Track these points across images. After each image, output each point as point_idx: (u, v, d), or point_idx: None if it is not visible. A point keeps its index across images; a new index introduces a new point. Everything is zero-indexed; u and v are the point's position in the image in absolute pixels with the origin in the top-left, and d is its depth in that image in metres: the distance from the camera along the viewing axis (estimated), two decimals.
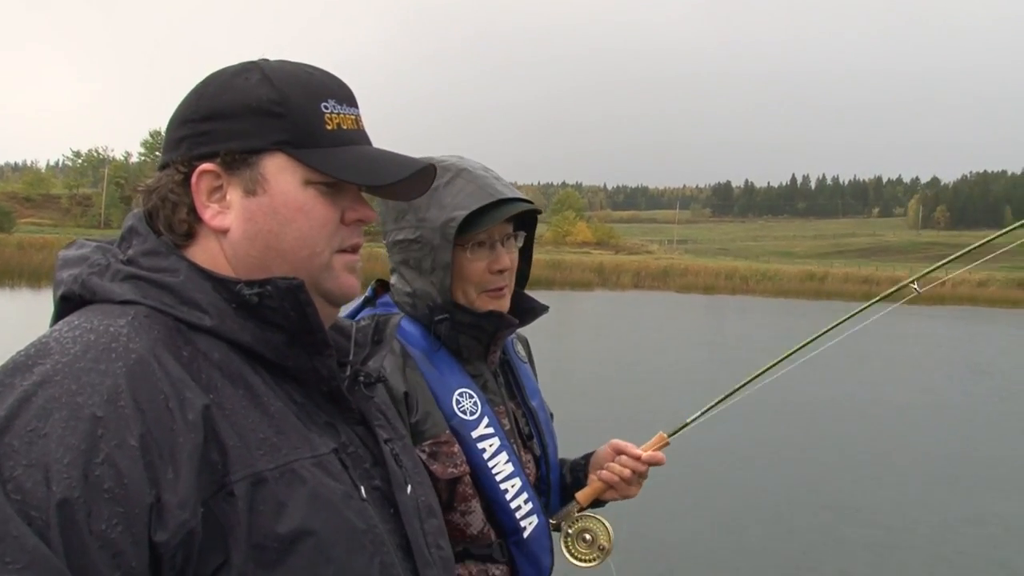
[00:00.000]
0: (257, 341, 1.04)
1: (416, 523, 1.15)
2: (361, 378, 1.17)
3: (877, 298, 2.23)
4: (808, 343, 2.10)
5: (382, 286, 1.93)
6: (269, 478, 0.96)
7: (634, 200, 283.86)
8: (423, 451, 1.68)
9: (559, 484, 1.98)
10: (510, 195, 1.77)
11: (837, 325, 2.14)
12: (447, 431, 1.72)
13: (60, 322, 1.01)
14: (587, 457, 2.03)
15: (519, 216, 1.83)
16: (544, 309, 1.96)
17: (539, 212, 1.87)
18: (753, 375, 2.05)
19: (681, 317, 29.85)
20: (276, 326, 1.05)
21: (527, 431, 1.93)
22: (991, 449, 10.48)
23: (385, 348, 1.22)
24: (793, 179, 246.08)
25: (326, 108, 1.09)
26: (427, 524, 1.18)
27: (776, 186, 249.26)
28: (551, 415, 2.03)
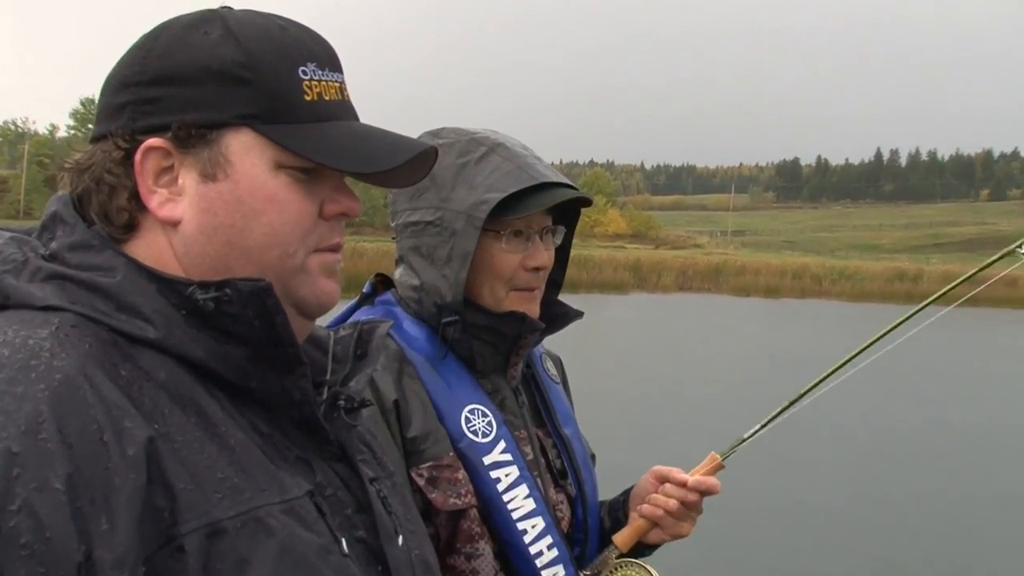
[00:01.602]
0: (213, 357, 1.03)
1: None
2: (341, 402, 1.17)
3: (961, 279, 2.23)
4: (879, 339, 2.11)
5: (382, 282, 1.96)
6: (228, 528, 0.95)
7: (678, 182, 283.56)
8: (420, 475, 1.69)
9: (598, 531, 1.98)
10: (554, 179, 1.80)
11: (909, 318, 2.15)
12: (451, 453, 1.74)
13: None
14: (626, 493, 2.03)
15: (557, 209, 1.85)
16: (577, 315, 1.98)
17: (589, 202, 1.89)
18: (818, 379, 2.07)
19: (736, 326, 29.80)
20: (237, 338, 1.04)
21: (558, 465, 1.94)
22: None
23: (370, 364, 1.22)
24: (878, 155, 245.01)
25: (304, 74, 1.08)
26: None
27: (857, 164, 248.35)
28: (592, 456, 2.05)
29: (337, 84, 1.11)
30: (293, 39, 1.09)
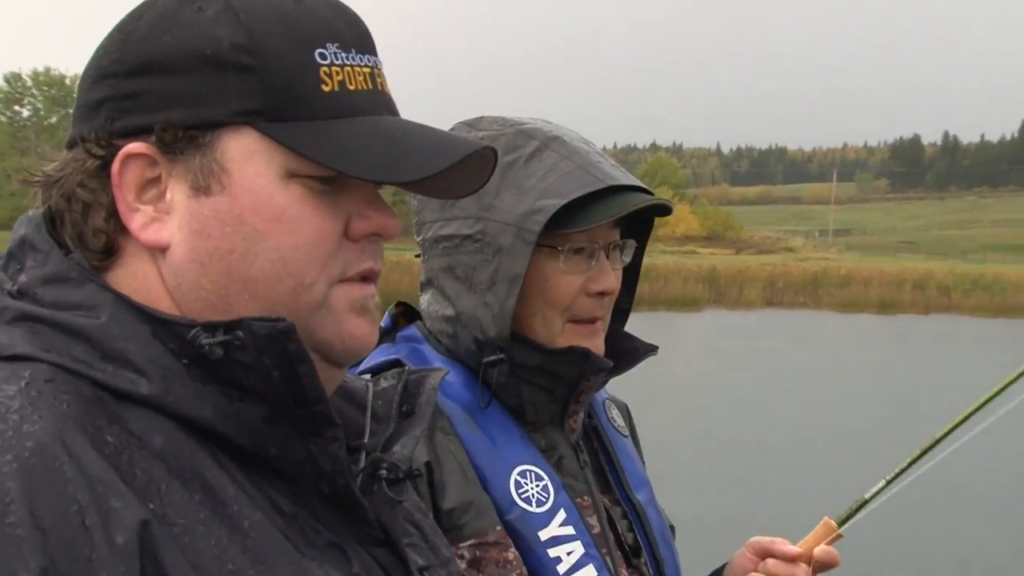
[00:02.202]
0: (222, 417, 1.03)
1: None
2: (383, 472, 1.16)
3: None
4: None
5: (404, 313, 1.96)
6: None
7: (764, 169, 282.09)
8: (460, 556, 1.69)
9: None
10: (624, 181, 1.79)
11: None
12: (498, 527, 1.74)
13: None
14: (717, 573, 2.04)
15: (626, 218, 1.83)
16: (651, 350, 1.98)
17: (668, 210, 1.88)
18: (956, 421, 2.06)
19: (843, 350, 29.58)
20: (251, 393, 1.04)
21: (630, 540, 1.94)
22: None
23: (419, 424, 1.21)
24: (1023, 129, 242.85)
25: (323, 58, 1.06)
26: None
27: (996, 141, 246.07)
28: (671, 528, 2.05)
29: (367, 70, 1.10)
30: (310, 14, 1.08)
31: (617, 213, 1.76)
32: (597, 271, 1.81)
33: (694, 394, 19.36)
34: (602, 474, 1.97)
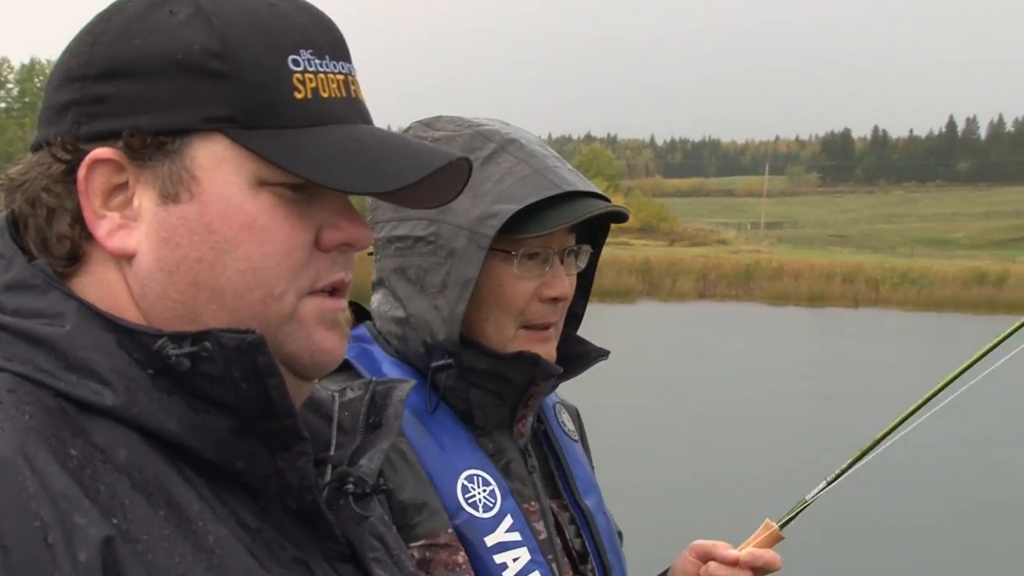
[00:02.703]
0: (187, 430, 1.01)
1: None
2: (349, 486, 1.14)
3: None
4: (974, 362, 2.14)
5: (355, 313, 1.93)
6: None
7: (698, 162, 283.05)
8: (411, 556, 1.66)
9: None
10: (582, 187, 1.79)
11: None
12: (450, 529, 1.74)
13: None
14: None
15: (582, 224, 1.84)
16: (602, 354, 1.98)
17: (624, 217, 1.88)
18: (897, 420, 2.08)
19: (774, 343, 29.83)
20: (218, 406, 1.02)
21: (577, 545, 1.94)
22: None
23: (386, 437, 1.20)
24: (951, 124, 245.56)
25: (296, 64, 1.05)
26: None
27: (924, 136, 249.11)
28: (619, 534, 2.05)
29: (340, 77, 1.09)
30: (284, 20, 1.07)
31: (572, 219, 1.76)
32: (551, 276, 1.81)
33: (630, 386, 19.42)
34: (551, 479, 1.97)
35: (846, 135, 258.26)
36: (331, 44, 1.09)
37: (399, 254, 1.83)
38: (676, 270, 52.76)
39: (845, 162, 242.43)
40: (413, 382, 1.31)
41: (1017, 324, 2.19)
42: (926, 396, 2.11)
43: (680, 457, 13.92)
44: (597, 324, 1.96)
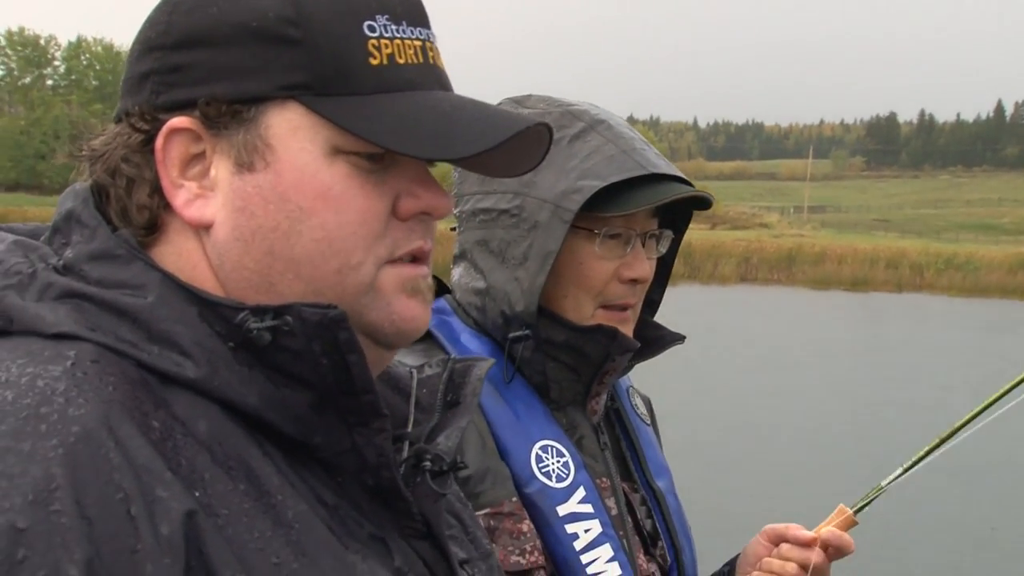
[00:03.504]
0: (267, 404, 1.01)
1: None
2: (427, 463, 1.14)
3: None
4: None
5: (436, 287, 1.96)
6: None
7: (741, 145, 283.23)
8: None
9: None
10: (667, 171, 1.80)
11: None
12: (514, 498, 1.75)
13: None
14: (731, 563, 2.04)
15: (663, 209, 1.86)
16: (678, 339, 1.99)
17: (708, 204, 1.89)
18: (970, 415, 2.04)
19: (818, 328, 29.78)
20: (298, 381, 1.02)
21: (648, 527, 1.95)
22: None
23: (464, 415, 1.19)
24: (999, 109, 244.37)
25: (372, 30, 1.04)
26: None
27: (971, 120, 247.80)
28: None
29: (418, 43, 1.08)
30: None
31: (656, 201, 1.77)
32: (632, 258, 1.82)
33: (677, 375, 19.47)
34: (622, 460, 1.98)
35: (891, 119, 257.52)
36: (408, 9, 1.08)
37: (483, 226, 1.85)
38: (717, 253, 52.66)
39: (890, 146, 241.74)
40: (492, 360, 1.31)
41: None
42: (1008, 387, 2.07)
43: (734, 438, 13.90)
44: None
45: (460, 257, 1.92)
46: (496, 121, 1.07)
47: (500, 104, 1.84)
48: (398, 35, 1.06)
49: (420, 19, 1.09)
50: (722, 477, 11.26)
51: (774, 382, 18.69)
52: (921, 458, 2.01)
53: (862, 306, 38.78)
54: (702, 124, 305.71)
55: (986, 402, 2.06)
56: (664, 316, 2.03)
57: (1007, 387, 2.07)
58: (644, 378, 2.16)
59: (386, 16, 1.05)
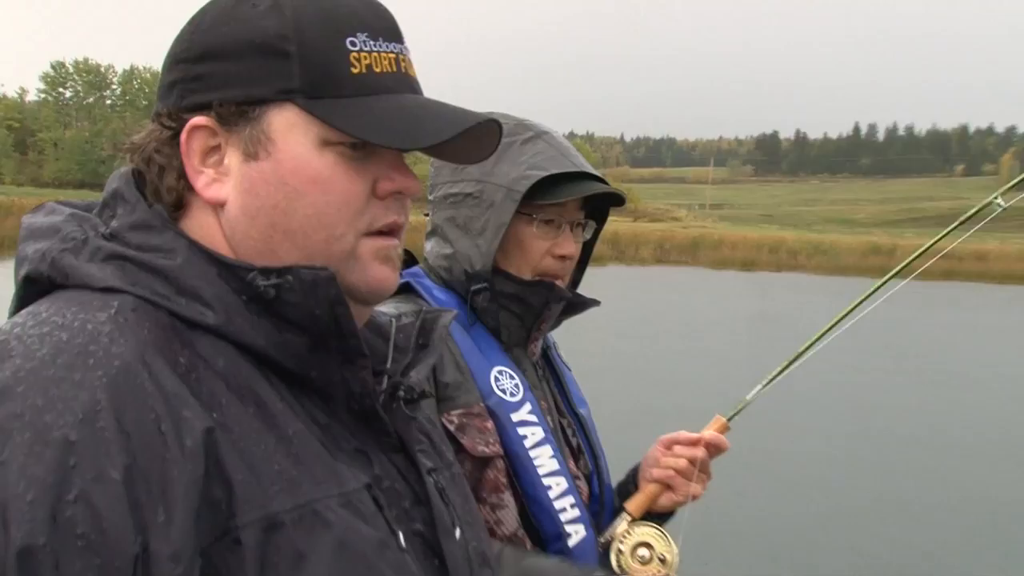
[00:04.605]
0: (273, 345, 1.01)
1: None
2: (401, 393, 1.14)
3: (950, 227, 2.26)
4: (857, 304, 2.19)
5: (409, 259, 2.00)
6: (286, 522, 0.93)
7: (658, 155, 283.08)
8: (451, 421, 1.75)
9: (612, 507, 2.01)
10: (592, 172, 1.87)
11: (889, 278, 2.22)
12: (481, 403, 1.79)
13: (22, 312, 0.99)
14: (634, 470, 2.06)
15: (590, 207, 1.94)
16: (595, 303, 2.02)
17: (621, 201, 1.96)
18: (811, 341, 2.11)
19: (716, 298, 29.93)
20: (297, 327, 1.02)
21: (575, 443, 1.98)
22: None
23: (432, 355, 1.19)
24: (856, 129, 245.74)
25: (353, 45, 1.04)
26: None
27: (835, 138, 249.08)
28: None
29: (392, 55, 1.07)
30: (345, 8, 1.05)
31: (582, 193, 1.84)
32: (562, 239, 1.88)
33: (603, 332, 19.51)
34: (553, 392, 2.02)
35: (774, 136, 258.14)
36: (385, 28, 1.07)
37: (451, 207, 1.90)
38: (638, 240, 52.57)
39: (773, 158, 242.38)
40: (455, 312, 1.33)
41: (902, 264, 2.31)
42: (832, 322, 2.16)
43: (645, 379, 13.99)
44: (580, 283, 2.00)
45: (432, 232, 1.95)
46: (455, 118, 1.07)
47: None
48: (375, 49, 1.05)
49: (394, 36, 1.08)
50: (633, 409, 11.33)
51: (683, 342, 18.79)
52: (775, 376, 2.07)
53: (751, 283, 38.90)
54: (627, 138, 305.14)
55: (820, 332, 2.13)
56: (596, 289, 2.06)
57: (828, 326, 2.14)
58: (583, 336, 2.21)
59: (365, 33, 1.05)
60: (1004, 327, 24.99)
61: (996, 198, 2.24)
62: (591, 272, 2.08)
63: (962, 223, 2.31)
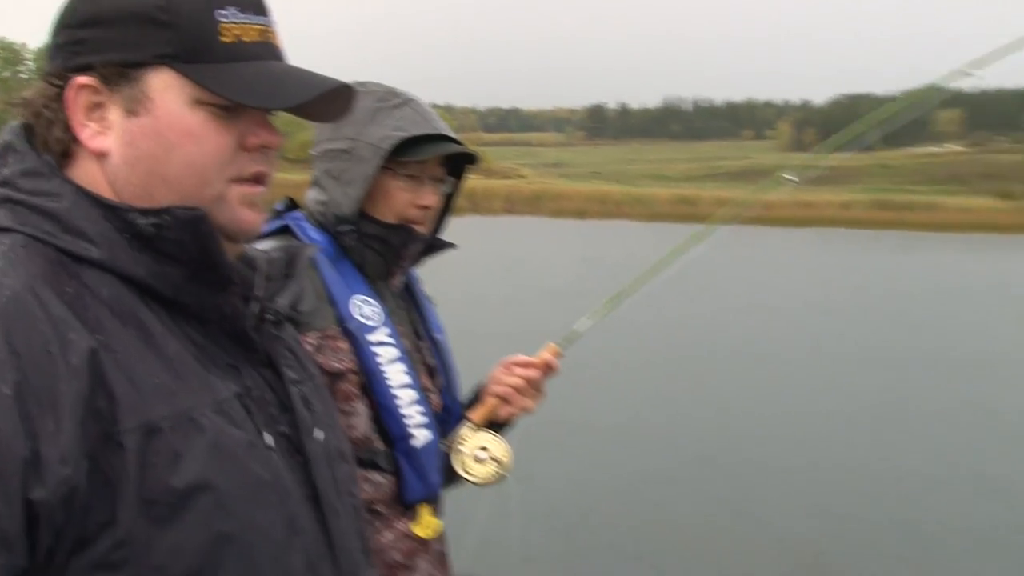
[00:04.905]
0: (152, 276, 0.99)
1: (325, 471, 1.12)
2: (269, 316, 1.13)
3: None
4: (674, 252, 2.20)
5: (292, 205, 1.96)
6: (164, 427, 0.92)
7: (507, 123, 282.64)
8: (310, 343, 1.71)
9: (459, 418, 2.01)
10: (451, 135, 1.86)
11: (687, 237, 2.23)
12: (335, 327, 1.77)
13: None
14: (479, 387, 2.07)
15: (450, 165, 1.92)
16: (452, 246, 2.01)
17: (475, 159, 1.96)
18: (633, 281, 2.14)
19: (554, 242, 30.36)
20: (174, 260, 1.00)
21: (431, 363, 1.97)
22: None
23: (296, 283, 1.19)
24: (667, 100, 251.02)
25: (223, 16, 1.01)
26: (337, 471, 1.15)
27: (651, 108, 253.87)
28: None
29: (259, 27, 1.04)
30: None
31: (441, 152, 1.84)
32: (423, 192, 1.87)
33: (457, 274, 19.57)
34: (414, 321, 2.00)
35: (602, 106, 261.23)
36: (252, 3, 1.05)
37: (329, 161, 1.87)
38: (490, 194, 52.70)
39: (601, 125, 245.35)
40: (317, 246, 1.33)
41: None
42: (658, 263, 2.17)
43: (496, 318, 14.11)
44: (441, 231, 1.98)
45: (313, 183, 1.92)
46: (314, 82, 1.05)
47: None
48: (244, 21, 1.03)
49: (260, 10, 1.06)
50: (483, 336, 11.48)
51: (526, 280, 19.02)
52: (602, 311, 2.09)
53: (583, 229, 39.57)
54: (482, 108, 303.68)
55: (645, 271, 2.16)
56: (454, 235, 2.03)
57: (655, 264, 2.17)
58: (444, 274, 2.19)
59: (235, 7, 1.02)
60: (784, 265, 26.20)
61: (788, 174, 2.20)
62: (451, 222, 2.06)
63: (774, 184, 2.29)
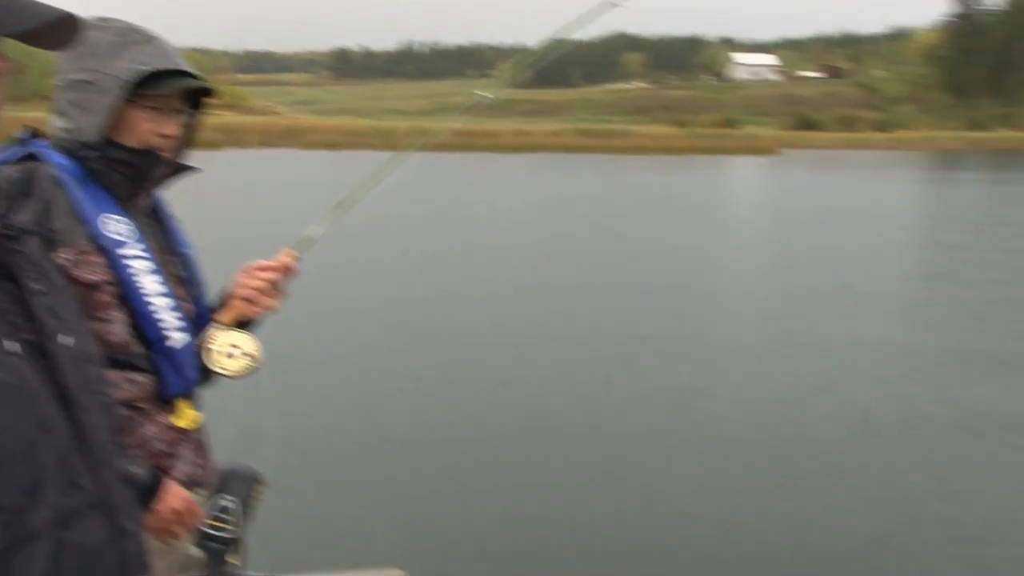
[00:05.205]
0: None
1: (72, 371, 1.06)
2: (8, 232, 1.05)
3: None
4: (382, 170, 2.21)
5: (35, 134, 1.78)
6: None
7: (261, 64, 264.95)
8: (67, 259, 1.62)
9: (208, 321, 1.94)
10: (191, 71, 1.78)
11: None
12: (88, 243, 1.67)
13: None
14: (226, 292, 1.99)
15: (191, 99, 1.83)
16: (197, 169, 1.91)
17: (212, 92, 1.85)
18: (357, 186, 2.11)
19: (308, 171, 29.41)
20: None
21: (183, 275, 1.89)
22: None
23: (37, 200, 1.11)
24: (405, 44, 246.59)
25: None
26: (84, 371, 1.09)
27: (391, 50, 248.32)
28: None
29: None
30: None
31: (181, 86, 1.76)
32: (165, 122, 1.77)
33: (218, 203, 18.51)
34: (163, 237, 1.89)
35: (346, 49, 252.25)
36: None
37: (74, 91, 1.72)
38: (247, 129, 49.80)
39: (347, 66, 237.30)
40: (53, 167, 1.22)
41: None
42: (383, 165, 2.16)
43: (236, 227, 13.54)
44: (199, 163, 1.92)
45: (59, 113, 1.75)
46: (38, 11, 0.95)
47: (90, 20, 1.67)
48: None
49: None
50: (229, 248, 11.10)
51: (273, 201, 18.41)
52: (329, 219, 2.05)
53: (334, 160, 38.60)
54: (237, 51, 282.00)
55: (364, 182, 2.13)
56: (215, 167, 1.94)
57: (371, 178, 2.12)
58: (202, 199, 2.08)
59: None
60: (508, 186, 27.04)
61: (486, 94, 2.28)
62: (211, 155, 1.95)
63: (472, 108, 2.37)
